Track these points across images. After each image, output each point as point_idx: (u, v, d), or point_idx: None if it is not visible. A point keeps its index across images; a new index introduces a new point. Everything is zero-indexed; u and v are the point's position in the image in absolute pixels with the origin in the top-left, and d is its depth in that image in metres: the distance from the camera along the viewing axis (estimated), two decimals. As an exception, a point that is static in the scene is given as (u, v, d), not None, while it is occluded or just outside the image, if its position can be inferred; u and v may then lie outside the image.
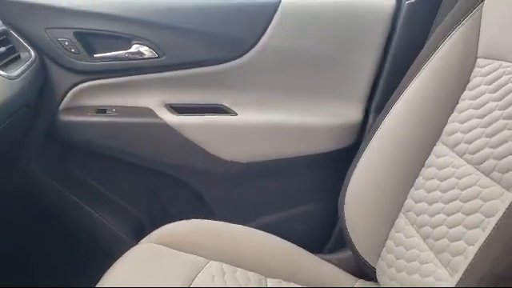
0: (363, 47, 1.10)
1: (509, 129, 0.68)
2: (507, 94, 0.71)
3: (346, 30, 1.09)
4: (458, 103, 0.82)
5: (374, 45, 1.09)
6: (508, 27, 0.74)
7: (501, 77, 0.74)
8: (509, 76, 0.72)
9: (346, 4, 1.11)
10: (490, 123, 0.72)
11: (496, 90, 0.74)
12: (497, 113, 0.72)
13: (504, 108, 0.70)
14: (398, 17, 1.06)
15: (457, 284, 0.63)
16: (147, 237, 0.94)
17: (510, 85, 0.72)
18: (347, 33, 1.09)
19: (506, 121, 0.69)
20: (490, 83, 0.76)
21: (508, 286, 0.52)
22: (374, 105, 1.12)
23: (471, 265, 0.61)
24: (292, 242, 0.97)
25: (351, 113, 1.14)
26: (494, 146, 0.69)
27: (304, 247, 0.96)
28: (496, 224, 0.61)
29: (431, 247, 0.72)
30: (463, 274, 0.62)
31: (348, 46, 1.10)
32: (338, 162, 1.04)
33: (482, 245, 0.61)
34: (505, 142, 0.67)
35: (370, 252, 0.87)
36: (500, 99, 0.72)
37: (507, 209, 0.60)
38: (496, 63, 0.76)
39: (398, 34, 1.06)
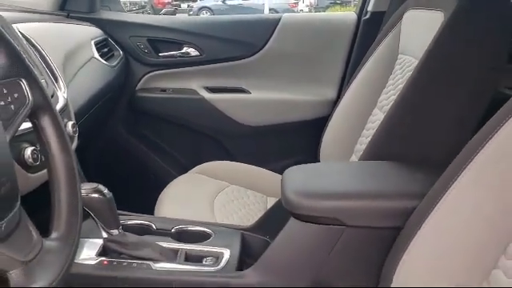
0: (336, 48, 1.60)
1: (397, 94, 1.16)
2: (404, 75, 1.18)
3: (324, 37, 1.59)
4: (387, 82, 1.29)
5: (343, 46, 1.59)
6: (410, 36, 1.21)
7: (404, 65, 1.22)
8: (405, 64, 1.20)
9: (323, 19, 1.63)
10: (396, 92, 1.20)
11: (401, 73, 1.22)
12: (400, 86, 1.20)
13: (402, 83, 1.19)
14: (358, 28, 1.56)
15: None
16: (191, 170, 1.43)
17: (405, 70, 1.19)
18: (324, 39, 1.59)
19: (398, 88, 1.17)
20: (400, 69, 1.23)
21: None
22: (343, 87, 1.59)
23: None
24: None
25: (328, 92, 1.62)
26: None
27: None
28: None
29: None
30: None
31: (325, 48, 1.60)
32: (319, 126, 1.44)
33: None
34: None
35: None
36: (401, 78, 1.20)
37: None
38: (404, 57, 1.23)
39: (358, 39, 1.56)
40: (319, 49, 1.60)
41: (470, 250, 0.64)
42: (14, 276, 0.47)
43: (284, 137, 1.65)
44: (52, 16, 1.47)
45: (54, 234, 0.56)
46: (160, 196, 1.27)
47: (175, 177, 1.39)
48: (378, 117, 1.25)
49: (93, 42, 1.39)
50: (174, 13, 10.84)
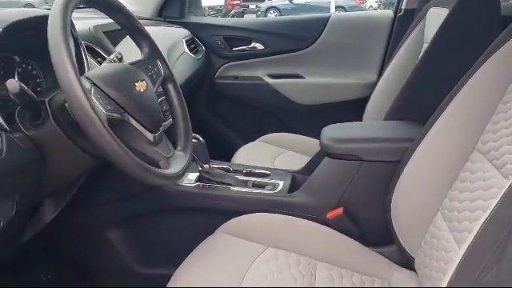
0: (376, 40, 1.92)
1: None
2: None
3: (366, 31, 1.93)
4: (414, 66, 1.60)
5: (382, 38, 1.91)
6: (430, 28, 1.52)
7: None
8: (423, 48, 1.50)
9: (365, 17, 1.96)
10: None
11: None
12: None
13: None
14: (394, 23, 1.88)
15: None
16: (256, 139, 1.80)
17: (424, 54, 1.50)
18: (367, 32, 1.93)
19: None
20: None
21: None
22: (382, 71, 1.91)
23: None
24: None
25: (370, 76, 1.95)
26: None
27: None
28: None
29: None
30: None
31: (367, 40, 1.93)
32: (362, 104, 1.77)
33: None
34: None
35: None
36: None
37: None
38: (425, 45, 1.54)
39: (394, 32, 1.88)
40: (362, 41, 1.94)
41: (437, 172, 0.95)
42: (162, 163, 0.88)
43: (332, 113, 1.92)
44: (153, 21, 1.94)
45: (178, 147, 0.98)
46: (233, 156, 1.67)
47: (243, 145, 1.74)
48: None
49: (184, 41, 1.83)
50: (242, 13, 11.20)
